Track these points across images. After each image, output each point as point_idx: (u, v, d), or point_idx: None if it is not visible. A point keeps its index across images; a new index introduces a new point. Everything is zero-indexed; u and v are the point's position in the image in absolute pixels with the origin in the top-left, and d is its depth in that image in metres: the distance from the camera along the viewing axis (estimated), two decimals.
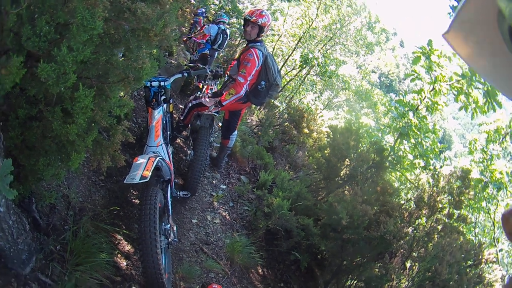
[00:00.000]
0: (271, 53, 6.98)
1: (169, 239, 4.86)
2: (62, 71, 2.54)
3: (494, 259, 6.66)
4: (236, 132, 7.58)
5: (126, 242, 5.11)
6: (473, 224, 10.29)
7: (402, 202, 7.93)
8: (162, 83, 5.45)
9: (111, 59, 3.01)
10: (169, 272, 4.76)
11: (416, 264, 6.40)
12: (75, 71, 2.64)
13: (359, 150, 8.19)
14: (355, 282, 7.01)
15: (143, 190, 4.61)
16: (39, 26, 2.51)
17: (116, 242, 4.99)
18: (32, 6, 2.55)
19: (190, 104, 7.06)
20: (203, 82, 8.29)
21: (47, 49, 2.58)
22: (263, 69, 6.49)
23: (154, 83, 5.37)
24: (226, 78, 7.07)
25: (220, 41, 11.12)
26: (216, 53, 11.42)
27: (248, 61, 6.45)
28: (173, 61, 11.43)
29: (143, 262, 4.25)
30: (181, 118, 7.18)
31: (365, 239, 6.37)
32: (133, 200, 5.83)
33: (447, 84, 8.51)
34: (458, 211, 6.88)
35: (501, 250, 10.72)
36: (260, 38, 6.67)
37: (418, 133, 8.41)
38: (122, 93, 3.40)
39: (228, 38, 11.49)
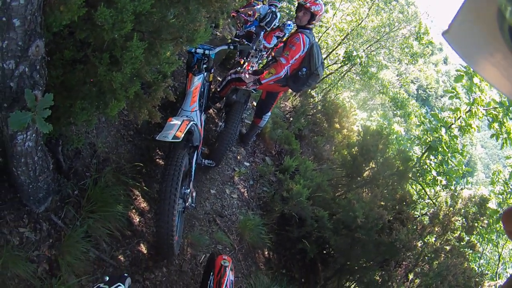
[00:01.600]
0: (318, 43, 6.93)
1: (187, 204, 4.91)
2: (120, 19, 2.58)
3: None
4: (269, 113, 7.61)
5: (143, 199, 5.19)
6: (479, 254, 10.21)
7: (417, 215, 7.91)
8: (206, 52, 5.47)
9: (166, 18, 3.04)
10: (179, 236, 4.82)
11: (418, 278, 6.39)
12: (132, 20, 2.68)
13: (386, 155, 8.16)
14: (354, 284, 7.03)
15: (171, 150, 4.69)
16: None
17: (134, 197, 5.08)
18: None
19: (229, 77, 7.08)
20: (245, 58, 8.30)
21: None
22: (307, 56, 6.44)
23: (199, 50, 5.41)
24: (270, 58, 7.06)
25: (268, 19, 11.08)
26: (262, 31, 11.38)
27: (293, 45, 6.44)
28: (218, 34, 11.45)
29: (157, 220, 4.32)
30: (218, 89, 7.22)
31: (374, 243, 6.36)
32: (157, 160, 5.91)
33: (483, 109, 8.41)
34: (469, 237, 6.85)
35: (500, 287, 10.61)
36: (311, 26, 6.64)
37: (447, 150, 8.34)
38: (168, 52, 3.43)
39: (277, 19, 11.43)
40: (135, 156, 5.46)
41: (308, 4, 6.38)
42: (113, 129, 5.30)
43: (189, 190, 4.94)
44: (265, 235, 6.68)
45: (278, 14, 11.22)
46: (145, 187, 5.25)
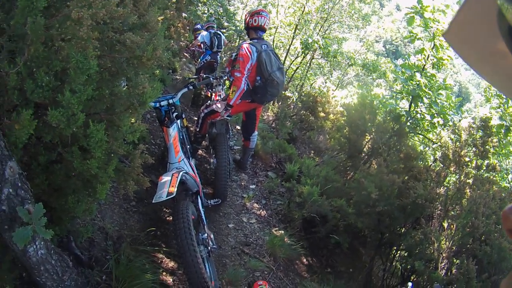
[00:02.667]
0: (273, 47, 7.02)
1: (209, 248, 4.95)
2: (71, 113, 2.69)
3: None
4: (256, 132, 7.66)
5: (168, 259, 5.22)
6: (505, 172, 10.20)
7: (430, 163, 7.95)
8: (170, 101, 5.55)
9: (114, 91, 3.14)
10: (215, 280, 4.85)
11: (454, 222, 6.42)
12: (83, 110, 2.78)
13: (377, 122, 8.23)
14: (399, 252, 7.06)
15: (174, 206, 4.73)
16: (40, 78, 2.65)
17: (159, 261, 5.11)
18: (29, 62, 2.68)
19: (202, 114, 7.20)
20: (210, 90, 8.39)
21: (52, 97, 2.72)
22: (258, 65, 6.56)
23: (162, 103, 5.48)
24: (232, 79, 7.16)
25: (216, 43, 11.26)
26: (218, 56, 11.52)
27: (240, 56, 6.58)
28: (178, 77, 11.55)
29: (187, 274, 4.34)
30: (197, 129, 7.30)
31: (398, 208, 6.41)
32: (167, 218, 5.96)
33: None
34: (487, 161, 6.88)
35: None
36: (256, 36, 6.83)
37: (430, 92, 8.40)
38: (133, 119, 3.51)
39: (223, 38, 11.61)
40: (145, 222, 5.51)
41: (250, 22, 6.79)
42: (116, 207, 5.35)
43: (206, 234, 4.98)
44: (296, 244, 6.72)
45: (220, 33, 11.40)
46: (165, 248, 5.30)
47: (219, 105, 6.94)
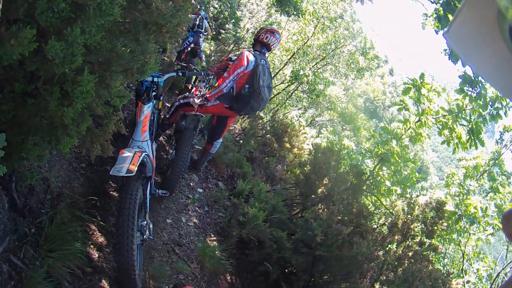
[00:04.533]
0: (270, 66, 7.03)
1: (145, 236, 4.83)
2: (70, 52, 2.52)
3: None
4: (221, 140, 7.61)
5: (100, 234, 5.07)
6: (442, 255, 10.46)
7: (375, 226, 8.01)
8: (155, 79, 5.44)
9: (116, 48, 2.99)
10: (140, 269, 4.72)
11: (385, 287, 6.46)
12: (82, 54, 2.62)
13: (339, 171, 8.26)
14: None
15: (124, 184, 4.59)
16: (56, 1, 2.47)
17: (90, 232, 4.95)
18: None
19: (177, 103, 7.10)
20: (192, 83, 8.28)
21: (58, 27, 2.55)
22: (251, 74, 6.50)
23: (147, 78, 5.35)
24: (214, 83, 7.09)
25: (197, 23, 11.19)
26: (201, 39, 11.38)
27: (236, 59, 6.59)
28: (166, 58, 11.42)
29: (117, 255, 4.25)
30: (167, 116, 7.18)
31: (336, 258, 6.41)
32: (111, 192, 5.78)
33: (432, 118, 8.66)
34: (430, 241, 7.00)
35: (468, 282, 10.89)
36: (261, 50, 6.86)
37: (399, 161, 8.51)
38: (119, 84, 3.38)
39: (206, 22, 11.54)
40: (89, 189, 5.33)
41: (261, 37, 6.83)
42: (65, 162, 5.18)
43: (145, 222, 4.86)
44: (226, 260, 6.62)
45: (205, 18, 11.36)
46: (101, 222, 5.13)
47: (196, 100, 6.82)
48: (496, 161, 11.15)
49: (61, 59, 2.53)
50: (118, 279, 4.57)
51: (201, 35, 11.27)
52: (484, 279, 11.74)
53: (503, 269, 10.07)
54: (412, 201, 7.55)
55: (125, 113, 7.27)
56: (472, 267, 11.90)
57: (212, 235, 7.16)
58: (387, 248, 6.95)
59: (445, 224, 7.23)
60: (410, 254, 6.67)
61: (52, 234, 4.08)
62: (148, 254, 5.68)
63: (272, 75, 11.31)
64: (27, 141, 3.05)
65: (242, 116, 12.08)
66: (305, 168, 8.35)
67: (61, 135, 3.04)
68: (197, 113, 6.87)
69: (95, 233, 5.01)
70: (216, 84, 6.58)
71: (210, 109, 6.92)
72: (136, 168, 4.25)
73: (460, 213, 10.09)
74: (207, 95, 6.63)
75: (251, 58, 6.53)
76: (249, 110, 6.84)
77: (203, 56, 11.53)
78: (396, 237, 7.01)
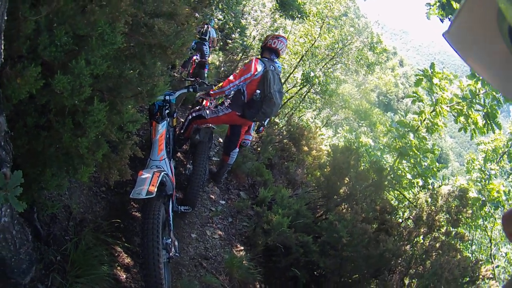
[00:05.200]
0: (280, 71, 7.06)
1: (171, 254, 4.84)
2: (78, 84, 2.55)
3: (491, 276, 6.70)
4: (237, 149, 7.60)
5: (126, 255, 5.09)
6: (470, 242, 10.36)
7: (400, 220, 7.96)
8: (167, 97, 5.47)
9: (124, 73, 3.02)
10: (169, 287, 4.75)
11: (415, 281, 6.44)
12: (90, 84, 2.65)
13: (359, 169, 8.23)
14: None
15: (146, 204, 4.59)
16: (58, 35, 2.50)
17: (116, 254, 4.98)
18: (52, 15, 2.52)
19: (190, 117, 7.18)
20: (203, 96, 8.35)
21: (63, 60, 2.58)
22: (262, 80, 6.55)
23: (159, 97, 5.38)
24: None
25: (202, 31, 11.25)
26: (205, 47, 11.41)
27: (245, 66, 6.67)
28: (176, 74, 11.48)
29: (145, 276, 4.25)
30: (181, 131, 7.23)
31: (363, 257, 6.39)
32: (133, 213, 5.83)
33: (447, 106, 8.60)
34: (456, 229, 6.93)
35: (497, 266, 10.81)
36: (269, 57, 6.90)
37: (418, 153, 8.46)
38: (130, 108, 3.41)
39: (212, 31, 11.62)
40: (111, 212, 5.36)
41: (268, 43, 6.92)
42: (85, 188, 5.22)
43: (170, 240, 4.87)
44: (254, 269, 6.62)
45: (211, 27, 11.44)
46: (125, 243, 5.16)
47: (207, 112, 6.94)
48: None
49: (70, 92, 2.56)
50: None
51: (205, 43, 11.33)
52: None
53: None
54: (435, 192, 7.51)
55: (140, 133, 7.31)
56: (501, 251, 11.77)
57: (238, 245, 7.17)
58: (414, 242, 6.90)
59: (469, 211, 7.15)
60: (437, 245, 6.62)
61: (78, 260, 4.11)
62: (176, 271, 5.69)
63: (283, 80, 11.26)
64: (45, 172, 3.09)
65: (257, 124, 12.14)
66: (325, 170, 8.36)
67: (78, 165, 3.07)
68: (210, 125, 6.98)
69: (121, 254, 5.04)
70: (220, 84, 6.65)
71: (222, 118, 6.96)
72: (155, 189, 4.27)
73: (483, 198, 9.98)
74: (211, 92, 6.71)
75: (260, 64, 6.58)
76: (261, 116, 6.83)
77: (206, 69, 11.61)
78: (422, 230, 6.96)
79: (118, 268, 4.85)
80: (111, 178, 3.49)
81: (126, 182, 5.60)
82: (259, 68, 6.55)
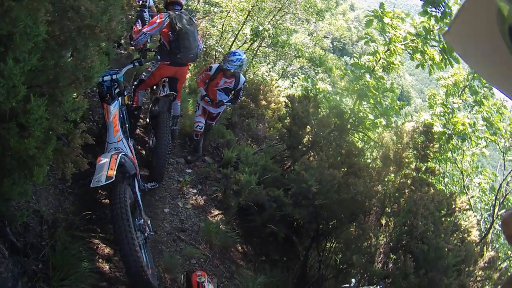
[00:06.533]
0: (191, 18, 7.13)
1: (146, 234, 4.82)
2: (11, 85, 2.45)
3: (467, 207, 6.85)
4: (178, 102, 7.84)
5: (104, 245, 5.09)
6: (441, 175, 10.55)
7: (369, 161, 8.06)
8: (114, 77, 5.34)
9: (60, 62, 2.92)
10: (151, 267, 4.76)
11: (391, 219, 6.59)
12: (24, 82, 2.55)
13: (319, 116, 8.26)
14: (335, 244, 7.13)
15: (111, 189, 4.56)
16: None
17: (95, 247, 4.97)
18: None
19: (134, 87, 7.42)
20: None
21: None
22: (170, 24, 6.84)
23: (106, 78, 5.23)
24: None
25: (141, 3, 11.29)
26: (145, 13, 11.36)
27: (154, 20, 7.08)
28: (123, 51, 11.25)
29: (124, 262, 4.25)
30: (131, 103, 7.19)
31: (337, 203, 6.47)
32: (103, 201, 5.78)
33: (401, 44, 8.63)
34: (425, 165, 7.05)
35: (472, 197, 11.04)
36: (174, 8, 7.21)
37: (377, 93, 8.52)
38: (75, 94, 3.31)
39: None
40: (81, 206, 5.28)
41: None
42: (51, 188, 5.10)
43: (142, 220, 4.86)
44: (232, 232, 6.72)
45: None
46: (101, 234, 5.14)
47: (144, 74, 7.21)
48: (475, 75, 11.14)
49: (5, 95, 2.46)
50: (133, 284, 4.57)
51: (145, 9, 11.29)
52: (488, 191, 11.93)
53: (504, 179, 10.17)
54: (399, 130, 7.58)
55: (96, 118, 7.18)
56: (473, 182, 12.05)
57: (212, 211, 7.24)
58: (385, 181, 7.02)
59: (436, 145, 7.28)
60: (409, 182, 6.77)
61: (58, 263, 4.06)
62: (156, 249, 5.72)
63: (233, 38, 11.18)
64: (3, 183, 2.99)
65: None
66: (285, 121, 8.36)
67: (31, 167, 2.99)
68: (169, 92, 7.08)
69: (99, 246, 5.03)
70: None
71: (156, 73, 7.16)
72: (114, 173, 4.22)
73: (449, 132, 10.14)
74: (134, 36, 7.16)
75: (164, 15, 6.93)
76: (184, 53, 6.98)
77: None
78: (391, 168, 7.06)
79: (100, 260, 4.85)
80: (67, 172, 3.42)
81: (89, 171, 5.56)
82: (163, 17, 6.88)
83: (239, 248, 6.88)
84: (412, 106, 65.00)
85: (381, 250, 6.30)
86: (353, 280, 3.18)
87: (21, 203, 4.28)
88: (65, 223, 4.71)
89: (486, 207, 12.04)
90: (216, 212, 7.26)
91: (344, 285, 3.09)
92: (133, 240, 4.14)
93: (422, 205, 6.05)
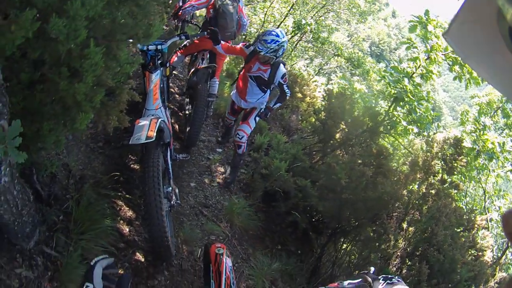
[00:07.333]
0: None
1: (172, 202, 4.86)
2: (74, 27, 2.47)
3: (486, 226, 6.79)
4: (216, 79, 7.59)
5: (128, 208, 5.15)
6: (463, 193, 10.45)
7: (395, 166, 8.02)
8: (159, 47, 5.38)
9: (117, 18, 2.95)
10: (171, 236, 4.79)
11: (413, 225, 6.54)
12: (85, 26, 2.58)
13: (354, 115, 8.24)
14: (351, 245, 7.12)
15: (144, 153, 4.63)
16: None
17: (118, 208, 5.03)
18: None
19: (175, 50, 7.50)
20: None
21: (57, 5, 2.49)
22: (214, 2, 6.90)
23: (151, 47, 5.27)
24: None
25: None
26: None
27: None
28: (165, 27, 11.30)
29: (148, 225, 4.31)
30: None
31: (362, 200, 6.44)
32: (132, 166, 5.84)
33: (442, 54, 8.55)
34: (450, 178, 7.02)
35: (491, 220, 10.90)
36: None
37: (413, 99, 8.46)
38: (125, 52, 3.34)
39: None
40: (110, 166, 5.37)
41: None
42: (83, 145, 5.20)
43: (171, 188, 4.89)
44: (254, 215, 6.75)
45: None
46: (126, 195, 5.20)
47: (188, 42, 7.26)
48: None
49: (65, 36, 2.47)
50: (152, 249, 4.66)
51: None
52: None
53: None
54: (430, 139, 7.54)
55: (134, 86, 7.25)
56: (494, 205, 11.87)
57: (237, 192, 7.27)
58: (410, 188, 6.99)
59: (464, 160, 7.19)
60: (433, 192, 6.70)
61: (80, 217, 4.11)
62: (177, 220, 5.77)
63: (275, 28, 11.26)
64: (42, 129, 3.01)
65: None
66: (321, 115, 8.35)
67: (75, 114, 3.01)
68: (209, 64, 7.06)
69: (122, 208, 5.09)
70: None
71: (198, 43, 7.21)
72: (155, 134, 4.27)
73: (478, 148, 10.03)
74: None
75: None
76: (221, 31, 6.82)
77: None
78: (418, 175, 7.01)
79: (121, 221, 4.90)
80: (109, 125, 3.45)
81: (122, 136, 5.62)
82: None
83: (259, 232, 6.89)
84: (442, 122, 64.27)
85: (398, 253, 6.32)
86: (372, 268, 3.17)
87: (51, 155, 4.35)
88: (92, 180, 4.78)
89: (502, 233, 11.85)
90: (241, 194, 7.29)
91: (363, 271, 3.08)
92: (161, 204, 4.19)
93: (445, 213, 6.05)
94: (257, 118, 6.99)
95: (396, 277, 2.75)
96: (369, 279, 2.74)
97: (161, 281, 4.71)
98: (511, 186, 17.55)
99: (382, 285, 2.61)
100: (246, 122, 6.98)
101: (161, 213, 4.18)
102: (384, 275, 2.82)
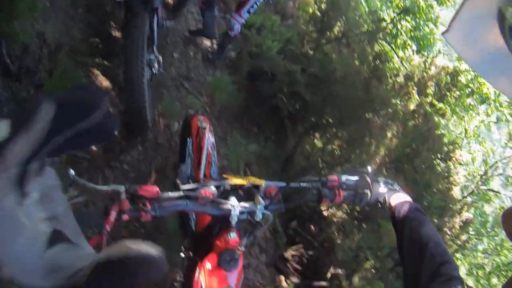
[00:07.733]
0: None
1: (153, 70, 4.64)
2: None
3: (461, 162, 6.84)
4: None
5: (105, 77, 4.90)
6: (444, 125, 10.53)
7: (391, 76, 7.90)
8: None
9: None
10: (149, 106, 4.60)
11: (396, 138, 6.57)
12: None
13: (356, 14, 7.95)
14: (330, 141, 7.11)
15: (129, 18, 4.32)
16: None
17: (94, 77, 4.78)
18: None
19: None
20: None
21: None
22: None
23: None
24: None
25: None
26: None
27: None
28: None
29: (127, 94, 4.15)
30: None
31: (352, 98, 6.33)
32: (114, 33, 5.51)
33: None
34: (439, 105, 7.05)
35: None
36: None
37: (423, 16, 8.23)
38: None
39: None
40: (89, 34, 5.05)
41: None
42: (61, 13, 4.80)
43: (154, 56, 4.63)
44: (237, 93, 6.66)
45: None
46: (105, 62, 4.94)
47: None
48: None
49: None
50: (128, 121, 4.48)
51: None
52: (477, 163, 11.91)
53: (495, 162, 10.11)
54: (431, 59, 7.38)
55: None
56: (470, 146, 11.99)
57: (222, 69, 7.11)
58: (399, 100, 6.89)
59: (457, 92, 7.19)
60: (421, 112, 6.70)
61: (53, 88, 3.89)
62: (157, 92, 5.54)
63: None
64: None
65: None
66: (321, 5, 7.96)
67: None
68: None
69: (99, 77, 4.84)
70: None
71: None
72: None
73: (472, 88, 9.97)
74: None
75: None
76: None
77: None
78: (411, 90, 6.90)
79: None
80: None
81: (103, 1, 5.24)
82: None
83: (239, 111, 6.84)
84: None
85: (377, 160, 6.37)
86: (369, 167, 3.02)
87: (26, 27, 4.01)
88: (68, 48, 4.49)
89: (468, 176, 12.11)
90: (226, 70, 7.14)
91: (361, 168, 2.93)
92: (142, 70, 3.99)
93: (432, 137, 6.09)
94: (251, 10, 6.53)
95: (395, 183, 2.65)
96: (368, 179, 2.59)
97: (134, 156, 4.70)
98: (489, 136, 17.93)
99: (382, 188, 2.46)
100: (238, 13, 6.60)
101: (142, 80, 4.00)
102: (383, 179, 2.69)
